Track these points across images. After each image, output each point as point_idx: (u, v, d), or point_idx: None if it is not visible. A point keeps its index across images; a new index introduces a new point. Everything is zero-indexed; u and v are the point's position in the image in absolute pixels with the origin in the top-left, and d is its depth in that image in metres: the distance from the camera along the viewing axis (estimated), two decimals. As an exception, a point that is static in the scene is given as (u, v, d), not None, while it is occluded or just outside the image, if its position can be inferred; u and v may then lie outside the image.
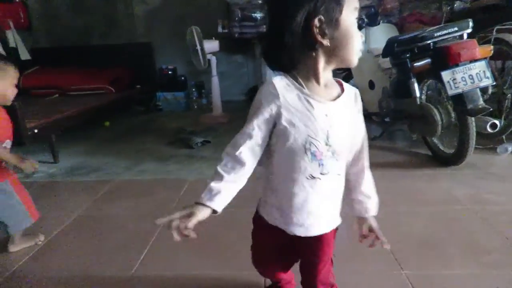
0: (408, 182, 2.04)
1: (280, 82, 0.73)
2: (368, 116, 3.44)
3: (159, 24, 4.66)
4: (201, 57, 3.56)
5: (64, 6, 4.69)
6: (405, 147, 2.66)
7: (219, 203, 0.75)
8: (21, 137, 2.26)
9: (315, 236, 0.83)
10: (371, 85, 3.19)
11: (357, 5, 0.71)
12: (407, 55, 2.30)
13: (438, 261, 1.32)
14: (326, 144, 0.74)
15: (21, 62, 4.07)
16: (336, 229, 0.89)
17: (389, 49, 2.46)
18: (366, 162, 0.87)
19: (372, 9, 3.15)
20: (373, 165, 2.51)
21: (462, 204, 1.75)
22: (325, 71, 0.74)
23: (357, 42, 0.72)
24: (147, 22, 4.69)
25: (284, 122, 0.73)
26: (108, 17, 4.70)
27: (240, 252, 1.01)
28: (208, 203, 0.75)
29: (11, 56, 3.94)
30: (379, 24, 3.10)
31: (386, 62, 2.80)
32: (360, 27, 3.15)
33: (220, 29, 4.33)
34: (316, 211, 0.81)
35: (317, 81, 0.74)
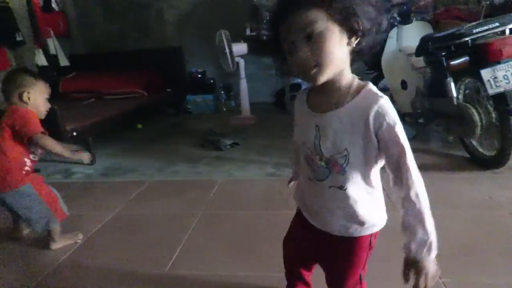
0: (444, 185, 1.95)
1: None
2: (400, 117, 3.35)
3: (189, 29, 4.77)
4: (229, 60, 3.60)
5: (100, 14, 4.90)
6: (441, 149, 2.55)
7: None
8: (61, 139, 2.38)
9: (334, 238, 0.81)
10: (404, 85, 3.09)
11: None
12: (443, 53, 2.21)
13: (479, 268, 1.26)
14: (317, 154, 0.76)
15: (61, 68, 4.30)
16: (371, 247, 0.83)
17: (423, 47, 2.38)
18: (409, 189, 0.71)
19: (404, 7, 3.07)
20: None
21: (505, 209, 1.66)
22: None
23: None
24: (177, 27, 4.80)
25: (295, 121, 0.86)
26: (141, 23, 4.86)
27: (270, 255, 1.01)
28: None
29: (52, 63, 4.18)
30: (411, 22, 3.01)
31: (420, 61, 2.71)
32: (392, 26, 3.11)
33: (248, 32, 4.37)
34: (321, 212, 0.82)
35: (318, 89, 0.76)
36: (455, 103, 2.20)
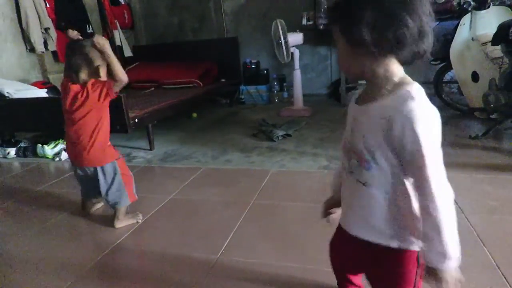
0: (520, 189, 1.76)
1: None
2: (469, 112, 3.07)
3: (245, 19, 4.79)
4: (284, 50, 3.56)
5: (163, 7, 5.11)
6: (517, 148, 2.30)
7: None
8: (125, 126, 2.54)
9: (369, 244, 0.77)
10: (475, 76, 2.83)
11: None
12: (526, 42, 1.97)
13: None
14: (351, 145, 0.76)
15: (125, 59, 4.57)
16: (419, 266, 0.76)
17: (502, 35, 2.16)
18: (429, 202, 0.67)
19: (481, -10, 2.78)
20: (477, 167, 2.25)
21: None
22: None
23: None
24: (234, 18, 4.85)
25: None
26: (200, 14, 4.99)
27: (321, 250, 0.98)
28: None
29: (117, 54, 4.45)
30: (489, 7, 2.72)
31: (497, 51, 2.46)
32: (465, 11, 2.84)
33: (304, 22, 4.27)
34: (347, 205, 0.83)
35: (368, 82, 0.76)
36: (539, 97, 1.97)
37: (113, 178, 1.65)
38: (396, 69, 0.70)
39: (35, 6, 3.44)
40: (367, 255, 0.80)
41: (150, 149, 2.89)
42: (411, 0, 0.64)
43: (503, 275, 1.15)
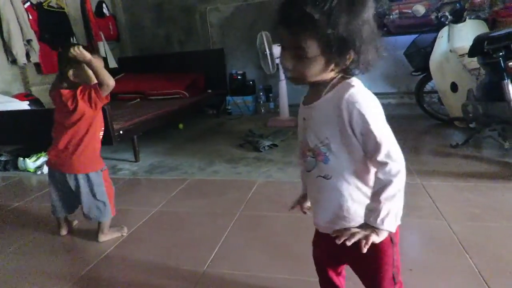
0: (499, 195, 1.81)
1: None
2: (449, 122, 3.16)
3: (231, 31, 4.85)
4: (269, 61, 3.60)
5: (148, 18, 5.12)
6: (496, 156, 2.37)
7: None
8: (110, 137, 2.51)
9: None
10: (454, 87, 2.93)
11: None
12: (500, 54, 2.06)
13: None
14: (306, 145, 0.79)
15: (110, 70, 4.54)
16: (394, 244, 0.79)
17: (478, 47, 2.24)
18: (380, 169, 0.71)
19: (458, 5, 2.91)
20: (458, 175, 2.31)
21: None
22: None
23: None
24: (220, 29, 4.90)
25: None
26: (186, 26, 5.02)
27: (309, 260, 0.99)
28: None
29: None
30: (465, 20, 2.84)
31: (474, 62, 2.55)
32: (442, 25, 2.95)
33: (289, 34, 4.35)
34: (316, 204, 0.84)
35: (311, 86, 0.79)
36: (514, 107, 2.05)
37: (97, 189, 1.59)
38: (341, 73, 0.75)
39: (17, 18, 3.39)
40: (343, 247, 0.78)
41: (136, 161, 2.86)
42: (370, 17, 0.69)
43: (485, 282, 1.18)
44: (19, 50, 3.40)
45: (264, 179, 2.27)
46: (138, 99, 4.16)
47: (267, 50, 3.57)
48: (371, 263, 0.81)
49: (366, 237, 0.70)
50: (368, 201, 0.75)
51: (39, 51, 3.62)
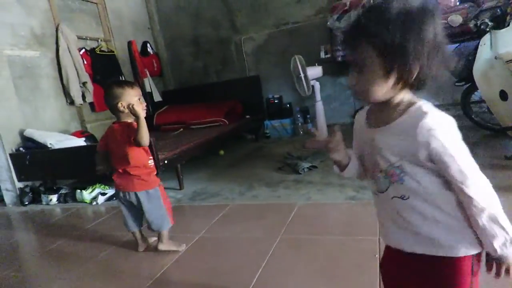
0: None
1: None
2: (502, 131, 2.95)
3: (265, 57, 5.00)
4: (304, 84, 3.64)
5: (187, 53, 5.46)
6: (558, 166, 2.17)
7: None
8: (156, 167, 2.65)
9: (418, 258, 0.76)
10: (503, 95, 2.75)
11: None
12: (550, 57, 1.93)
13: None
14: (375, 166, 0.79)
15: (155, 104, 4.85)
16: (473, 274, 0.74)
17: (525, 52, 2.11)
18: (469, 197, 0.69)
19: (498, 10, 2.78)
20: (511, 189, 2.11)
21: None
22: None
23: None
24: (255, 57, 5.08)
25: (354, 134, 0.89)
26: (222, 57, 5.27)
27: (354, 283, 0.96)
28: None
29: (148, 99, 4.74)
30: (508, 25, 2.69)
31: (522, 67, 2.39)
32: (484, 32, 2.83)
33: (322, 55, 4.39)
34: (389, 226, 0.81)
35: (375, 107, 0.79)
36: None
37: (156, 202, 1.80)
38: (409, 93, 0.75)
39: (74, 64, 3.79)
40: (421, 269, 0.78)
41: (180, 189, 2.99)
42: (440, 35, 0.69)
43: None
44: (76, 92, 3.77)
45: (304, 202, 2.26)
46: (181, 129, 4.37)
47: (301, 73, 3.63)
48: (444, 272, 0.76)
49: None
50: (452, 221, 0.74)
51: (93, 91, 3.99)
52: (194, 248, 1.88)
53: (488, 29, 2.76)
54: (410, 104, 0.73)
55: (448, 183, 0.72)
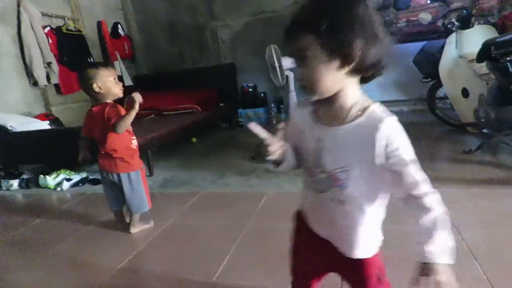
0: (513, 202, 1.78)
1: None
2: (462, 127, 3.11)
3: (241, 46, 4.95)
4: (279, 74, 3.66)
5: (162, 38, 5.30)
6: (509, 161, 2.32)
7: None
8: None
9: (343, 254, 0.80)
10: (465, 93, 2.90)
11: None
12: (508, 58, 2.04)
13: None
14: (318, 167, 0.77)
15: (125, 88, 4.69)
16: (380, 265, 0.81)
17: (486, 52, 2.23)
18: (421, 202, 0.71)
19: (464, 11, 2.90)
20: (470, 182, 2.28)
21: None
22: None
23: None
24: (231, 45, 5.02)
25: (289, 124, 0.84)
26: (198, 43, 5.16)
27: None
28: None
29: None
30: (473, 26, 2.82)
31: (483, 67, 2.53)
32: (450, 31, 2.94)
33: (298, 46, 4.41)
34: (325, 224, 0.82)
35: (323, 102, 0.75)
36: (525, 111, 2.02)
37: (137, 185, 1.83)
38: (357, 87, 0.73)
39: (38, 43, 3.59)
40: (342, 260, 0.82)
41: (150, 175, 2.94)
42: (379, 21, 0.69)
43: (494, 288, 1.16)
44: (39, 73, 3.59)
45: (274, 191, 2.30)
46: (153, 115, 4.28)
47: (276, 62, 3.63)
48: (361, 279, 0.83)
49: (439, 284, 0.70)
50: (374, 221, 0.78)
51: (59, 72, 3.80)
52: (162, 235, 1.87)
53: (454, 29, 2.88)
54: (365, 105, 0.72)
55: (385, 190, 0.75)
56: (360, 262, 0.80)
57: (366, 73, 0.71)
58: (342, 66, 0.68)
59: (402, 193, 0.73)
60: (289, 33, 0.71)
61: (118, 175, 1.81)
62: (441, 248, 0.70)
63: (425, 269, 0.71)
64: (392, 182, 0.72)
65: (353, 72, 0.69)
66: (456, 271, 0.70)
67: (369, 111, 0.71)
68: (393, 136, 0.68)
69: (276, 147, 0.76)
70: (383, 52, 0.68)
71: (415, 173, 0.70)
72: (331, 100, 0.73)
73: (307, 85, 0.71)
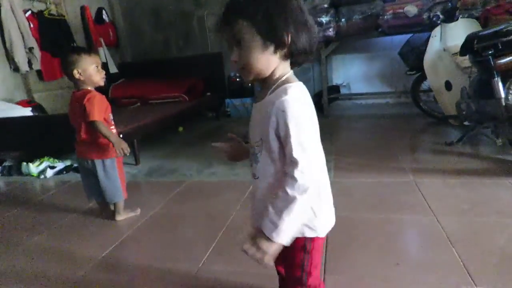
0: (491, 192, 1.84)
1: None
2: (444, 120, 3.19)
3: (228, 35, 4.90)
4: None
5: (147, 25, 5.20)
6: (489, 153, 2.40)
7: None
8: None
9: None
10: (448, 85, 2.96)
11: None
12: (490, 52, 2.10)
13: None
14: (249, 142, 0.84)
15: (110, 75, 4.61)
16: (307, 252, 0.82)
17: (468, 46, 2.27)
18: (287, 180, 0.71)
19: (449, 4, 2.94)
20: (450, 172, 2.35)
21: (559, 218, 1.54)
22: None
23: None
24: (218, 33, 4.95)
25: None
26: (184, 32, 5.09)
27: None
28: None
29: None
30: (457, 19, 2.87)
31: (465, 61, 2.58)
32: (435, 24, 2.99)
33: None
34: (257, 207, 0.83)
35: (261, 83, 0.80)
36: (504, 104, 2.08)
37: (111, 173, 1.80)
38: (287, 69, 0.78)
39: (18, 27, 3.47)
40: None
41: (136, 164, 2.92)
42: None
43: (469, 274, 1.21)
44: (21, 58, 3.48)
45: (260, 180, 2.31)
46: (138, 104, 4.23)
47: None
48: (288, 262, 0.87)
49: (258, 249, 0.74)
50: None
51: (41, 58, 3.70)
52: (148, 223, 1.87)
53: (439, 22, 2.92)
54: (284, 83, 0.75)
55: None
56: None
57: (298, 58, 0.77)
58: (275, 50, 0.74)
59: (285, 170, 0.73)
60: (226, 18, 0.76)
61: (93, 161, 1.78)
62: (282, 228, 0.71)
63: (259, 237, 0.74)
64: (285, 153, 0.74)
65: (286, 56, 0.75)
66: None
67: (281, 88, 0.74)
68: (283, 112, 0.70)
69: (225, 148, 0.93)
70: (312, 38, 0.75)
71: (294, 151, 0.70)
72: (264, 81, 0.79)
73: (245, 66, 0.75)
